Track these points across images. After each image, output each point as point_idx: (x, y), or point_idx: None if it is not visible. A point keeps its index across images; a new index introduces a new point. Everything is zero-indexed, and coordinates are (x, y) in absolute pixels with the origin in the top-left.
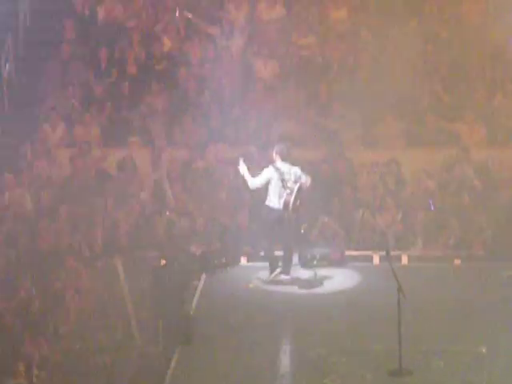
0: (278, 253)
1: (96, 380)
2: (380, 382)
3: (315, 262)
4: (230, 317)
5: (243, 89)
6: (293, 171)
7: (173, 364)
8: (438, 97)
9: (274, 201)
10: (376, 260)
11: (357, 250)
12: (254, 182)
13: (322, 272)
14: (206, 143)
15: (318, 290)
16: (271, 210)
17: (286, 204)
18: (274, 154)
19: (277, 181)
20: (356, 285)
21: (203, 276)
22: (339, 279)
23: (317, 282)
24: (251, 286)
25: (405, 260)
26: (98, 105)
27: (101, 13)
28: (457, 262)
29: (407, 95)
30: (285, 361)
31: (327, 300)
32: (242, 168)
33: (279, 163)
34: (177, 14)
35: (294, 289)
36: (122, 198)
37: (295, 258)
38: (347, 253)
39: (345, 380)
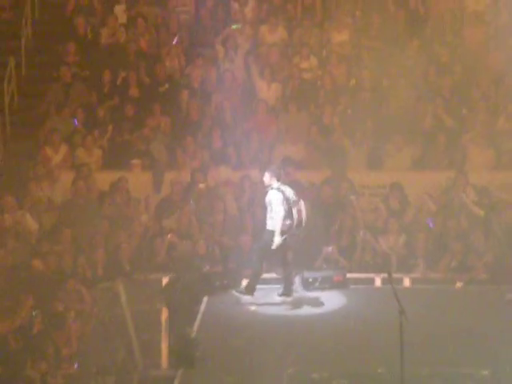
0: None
1: None
2: None
3: (317, 285)
4: (232, 339)
5: (245, 111)
6: (288, 189)
7: None
8: (440, 120)
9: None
10: (378, 282)
11: (359, 272)
12: (279, 216)
13: (325, 294)
14: (208, 165)
15: (320, 313)
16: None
17: (299, 221)
18: (269, 178)
19: (282, 201)
20: (358, 307)
21: (205, 298)
22: (341, 302)
23: (318, 303)
24: (253, 308)
25: (407, 282)
26: (101, 127)
27: (104, 35)
28: (459, 284)
29: (409, 118)
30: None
31: (329, 323)
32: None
33: (276, 184)
34: (174, 42)
35: (297, 311)
36: (123, 221)
37: (297, 280)
38: (349, 275)
39: None
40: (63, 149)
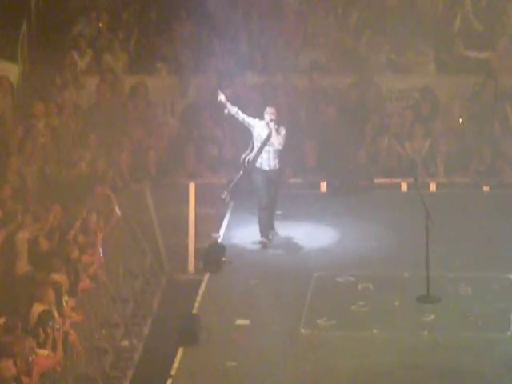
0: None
1: (125, 306)
2: (408, 308)
3: (343, 189)
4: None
5: (272, 15)
6: None
7: (202, 289)
8: (469, 23)
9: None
10: (404, 187)
11: (385, 177)
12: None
13: (349, 199)
14: (234, 70)
15: (345, 216)
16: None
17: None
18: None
19: None
20: (384, 213)
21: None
22: (365, 207)
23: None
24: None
25: (433, 187)
26: (126, 31)
27: None
28: (486, 188)
29: (438, 21)
30: (310, 287)
31: (354, 228)
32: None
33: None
34: None
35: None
36: (149, 125)
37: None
38: (375, 180)
39: (372, 306)
40: (89, 53)
